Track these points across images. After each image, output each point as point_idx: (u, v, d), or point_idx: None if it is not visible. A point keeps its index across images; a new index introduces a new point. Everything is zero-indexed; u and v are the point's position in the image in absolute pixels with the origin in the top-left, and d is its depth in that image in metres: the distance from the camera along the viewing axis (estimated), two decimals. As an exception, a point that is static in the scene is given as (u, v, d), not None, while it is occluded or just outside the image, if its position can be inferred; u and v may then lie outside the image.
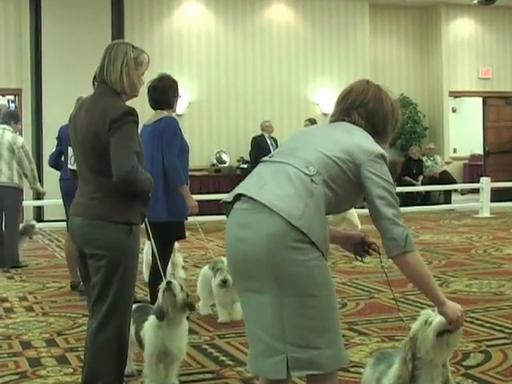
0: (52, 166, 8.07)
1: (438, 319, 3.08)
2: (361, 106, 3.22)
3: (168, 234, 5.99)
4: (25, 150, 9.45)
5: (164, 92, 6.13)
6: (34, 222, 10.21)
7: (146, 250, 7.63)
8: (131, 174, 3.78)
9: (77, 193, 4.07)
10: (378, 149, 3.09)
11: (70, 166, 7.48)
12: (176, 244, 8.00)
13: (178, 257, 8.08)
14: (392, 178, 3.13)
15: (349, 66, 17.15)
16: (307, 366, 2.96)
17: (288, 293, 2.92)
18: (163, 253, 5.61)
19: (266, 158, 3.22)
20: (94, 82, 4.03)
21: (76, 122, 4.01)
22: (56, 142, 7.99)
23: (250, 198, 2.99)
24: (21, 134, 10.06)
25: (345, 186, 3.04)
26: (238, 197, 3.07)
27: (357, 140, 3.10)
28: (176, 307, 4.42)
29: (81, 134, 3.94)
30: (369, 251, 3.45)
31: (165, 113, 6.17)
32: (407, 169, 17.07)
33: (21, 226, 9.81)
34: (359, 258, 3.48)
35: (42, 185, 10.27)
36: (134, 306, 4.61)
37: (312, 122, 13.38)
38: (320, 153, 3.04)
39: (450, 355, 3.18)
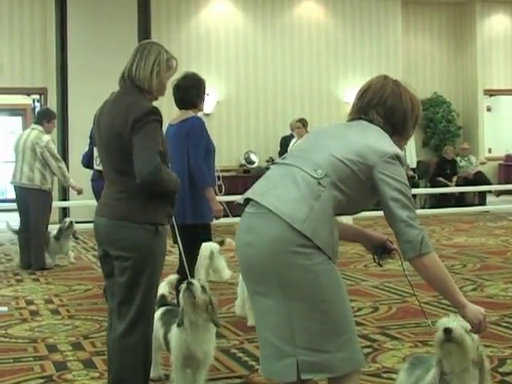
0: (85, 165, 7.97)
1: (439, 332, 3.03)
2: (379, 104, 3.16)
3: (194, 237, 5.89)
4: (49, 148, 9.29)
5: (187, 91, 6.02)
6: (68, 220, 9.98)
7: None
8: (154, 175, 3.73)
9: (102, 193, 4.06)
10: (392, 149, 3.02)
11: (95, 167, 7.42)
12: (217, 246, 7.93)
13: (220, 259, 7.95)
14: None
15: (380, 65, 16.97)
16: (318, 369, 2.94)
17: (294, 297, 2.91)
18: (190, 256, 5.53)
19: (278, 160, 3.20)
20: (120, 81, 3.99)
21: (99, 122, 3.99)
22: (88, 141, 7.86)
23: (257, 202, 2.99)
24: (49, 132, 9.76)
25: (356, 187, 3.00)
26: (248, 200, 3.06)
27: (370, 140, 3.03)
28: (196, 309, 4.31)
29: (104, 134, 3.91)
30: (390, 255, 3.39)
31: (190, 112, 6.07)
32: (441, 169, 16.84)
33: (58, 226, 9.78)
34: (378, 261, 3.44)
35: None
36: (163, 308, 4.58)
37: (303, 122, 13.22)
38: (330, 155, 3.00)
39: (466, 363, 3.04)
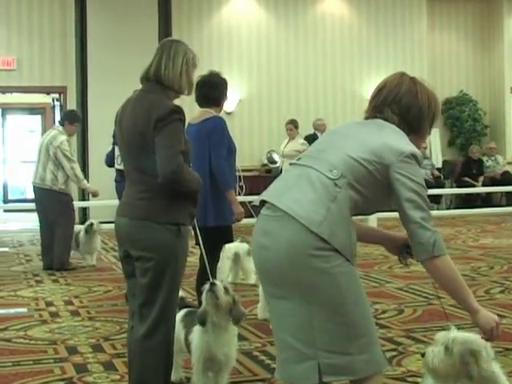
0: (108, 165, 7.90)
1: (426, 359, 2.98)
2: (394, 102, 3.12)
3: (216, 239, 5.81)
4: (62, 149, 9.20)
5: (212, 87, 5.95)
6: (91, 221, 9.93)
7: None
8: (176, 174, 3.70)
9: (124, 193, 4.04)
10: (409, 148, 2.97)
11: (117, 166, 7.37)
12: (246, 247, 7.83)
13: (248, 260, 7.85)
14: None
15: (405, 62, 16.81)
16: (340, 371, 2.92)
17: (314, 300, 2.89)
18: (211, 257, 5.45)
19: (294, 161, 3.16)
20: (143, 79, 3.96)
21: (121, 120, 3.96)
22: (111, 140, 7.77)
23: (273, 205, 2.96)
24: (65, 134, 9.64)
25: (373, 187, 2.96)
26: (264, 201, 3.05)
27: (386, 139, 2.98)
28: (219, 311, 4.24)
29: (126, 133, 3.89)
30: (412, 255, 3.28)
31: (212, 111, 5.99)
32: (467, 169, 16.73)
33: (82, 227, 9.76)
34: (403, 262, 3.38)
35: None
36: (185, 310, 4.55)
37: (294, 123, 13.13)
38: (345, 155, 2.96)
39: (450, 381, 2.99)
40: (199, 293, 5.01)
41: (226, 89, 6.11)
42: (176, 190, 3.78)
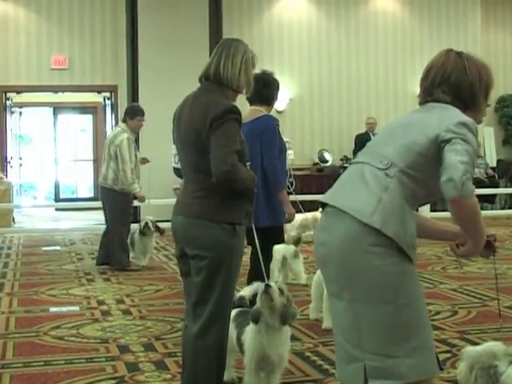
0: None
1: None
2: (442, 81, 3.01)
3: (268, 239, 5.77)
4: (121, 148, 9.00)
5: (266, 85, 5.94)
6: (146, 219, 9.61)
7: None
8: (230, 174, 3.70)
9: (180, 191, 4.09)
10: (461, 118, 2.85)
11: (173, 164, 7.36)
12: (292, 248, 7.77)
13: (296, 262, 7.80)
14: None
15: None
16: (386, 375, 2.82)
17: (362, 299, 2.82)
18: (264, 258, 5.41)
19: (352, 159, 3.09)
20: (201, 78, 3.97)
21: (179, 119, 3.98)
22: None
23: (329, 204, 2.96)
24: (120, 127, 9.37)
25: (427, 169, 2.85)
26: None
27: (435, 117, 2.89)
28: (274, 312, 4.21)
29: (183, 131, 3.91)
30: (492, 252, 3.12)
31: (262, 110, 5.97)
32: (524, 168, 16.45)
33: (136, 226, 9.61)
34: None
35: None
36: (237, 310, 4.51)
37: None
38: (395, 144, 2.91)
39: None
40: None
41: (278, 89, 6.12)
42: (231, 188, 3.78)
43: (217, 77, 3.89)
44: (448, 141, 2.78)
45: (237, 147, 3.77)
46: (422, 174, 2.85)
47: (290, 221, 5.99)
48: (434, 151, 2.81)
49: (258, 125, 5.86)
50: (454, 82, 2.99)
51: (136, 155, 9.21)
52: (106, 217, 9.37)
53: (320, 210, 3.11)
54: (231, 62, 3.88)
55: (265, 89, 5.92)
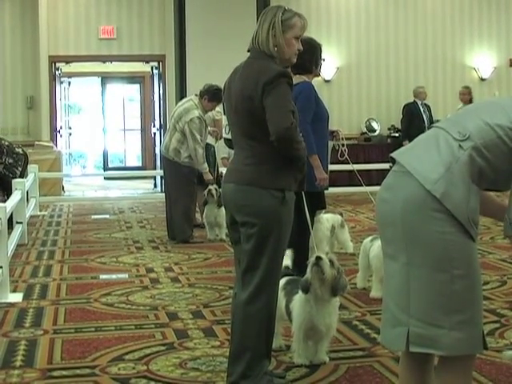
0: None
1: None
2: None
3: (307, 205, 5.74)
4: (191, 126, 8.68)
5: (299, 55, 5.87)
6: (209, 188, 9.04)
7: None
8: (290, 131, 3.73)
9: (231, 160, 4.09)
10: None
11: (224, 135, 7.30)
12: (339, 218, 7.77)
13: (342, 232, 7.80)
14: None
15: (509, 29, 16.26)
16: (428, 343, 2.79)
17: (417, 263, 2.78)
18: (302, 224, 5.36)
19: (434, 124, 3.04)
20: (250, 46, 3.97)
21: (230, 88, 3.98)
22: None
23: (398, 161, 2.92)
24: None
25: (505, 157, 2.79)
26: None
27: None
28: (324, 285, 4.23)
29: (235, 99, 3.91)
30: None
31: (303, 77, 5.93)
32: None
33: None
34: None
35: None
36: (286, 278, 4.52)
37: (468, 88, 12.87)
38: (480, 120, 2.83)
39: None
40: (296, 259, 4.97)
41: (318, 54, 6.02)
42: (285, 150, 3.79)
43: (256, 43, 3.90)
44: None
45: (292, 108, 3.80)
46: (498, 160, 2.80)
47: (321, 186, 5.94)
48: None
49: (294, 92, 5.83)
50: None
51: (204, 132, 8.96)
52: (167, 188, 9.22)
53: (389, 165, 3.08)
54: (261, 27, 3.87)
55: (299, 58, 5.86)
